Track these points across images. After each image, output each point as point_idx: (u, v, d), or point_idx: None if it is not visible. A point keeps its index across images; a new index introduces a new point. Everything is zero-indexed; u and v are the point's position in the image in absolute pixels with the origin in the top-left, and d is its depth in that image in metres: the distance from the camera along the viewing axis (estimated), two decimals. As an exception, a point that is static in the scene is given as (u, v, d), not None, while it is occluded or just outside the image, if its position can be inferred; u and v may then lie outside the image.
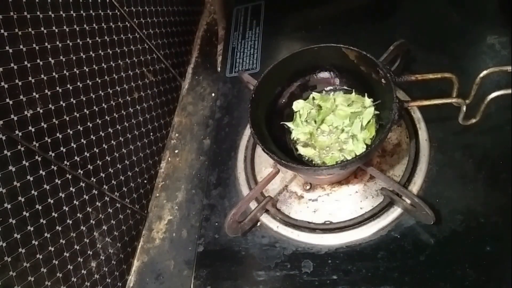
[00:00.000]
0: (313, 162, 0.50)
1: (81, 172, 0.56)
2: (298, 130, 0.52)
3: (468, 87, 0.46)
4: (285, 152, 0.50)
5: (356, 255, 0.48)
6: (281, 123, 0.54)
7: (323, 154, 0.50)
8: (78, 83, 0.57)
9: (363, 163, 0.49)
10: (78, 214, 0.55)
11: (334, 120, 0.50)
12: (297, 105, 0.54)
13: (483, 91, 0.45)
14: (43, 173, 0.50)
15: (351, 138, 0.49)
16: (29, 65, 0.49)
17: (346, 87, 0.54)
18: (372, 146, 0.44)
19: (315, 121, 0.52)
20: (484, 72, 0.44)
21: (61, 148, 0.53)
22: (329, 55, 0.51)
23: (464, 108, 0.45)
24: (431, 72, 0.48)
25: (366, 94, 0.50)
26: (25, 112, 0.49)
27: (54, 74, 0.53)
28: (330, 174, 0.49)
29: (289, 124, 0.53)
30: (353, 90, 0.52)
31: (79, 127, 0.57)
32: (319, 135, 0.51)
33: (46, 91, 0.52)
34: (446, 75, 0.46)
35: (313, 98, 0.54)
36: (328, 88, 0.55)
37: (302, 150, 0.51)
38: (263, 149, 0.46)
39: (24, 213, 0.47)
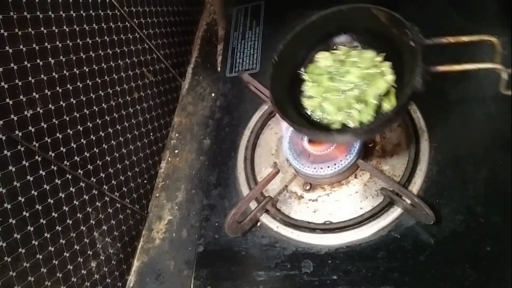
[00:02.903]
0: (319, 120, 0.48)
1: (81, 172, 0.56)
2: (313, 84, 0.49)
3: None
4: (305, 120, 0.49)
5: (356, 255, 0.48)
6: (298, 71, 0.50)
7: (329, 113, 0.47)
8: (78, 83, 0.57)
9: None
10: (78, 214, 0.55)
11: (351, 78, 0.47)
12: (320, 55, 0.50)
13: None
14: (43, 173, 0.50)
15: (363, 103, 0.45)
16: (29, 65, 0.49)
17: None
18: (391, 114, 0.40)
19: (331, 77, 0.48)
20: None
21: (61, 148, 0.53)
22: (357, 17, 0.48)
23: (505, 76, 0.39)
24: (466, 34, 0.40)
25: (390, 61, 0.46)
26: (25, 112, 0.49)
27: (54, 74, 0.53)
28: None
29: (305, 76, 0.50)
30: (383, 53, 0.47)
31: (79, 127, 0.57)
32: (332, 92, 0.47)
33: (46, 91, 0.52)
34: (485, 38, 0.39)
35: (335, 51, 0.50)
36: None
37: (307, 103, 0.49)
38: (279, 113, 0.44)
39: (24, 213, 0.47)
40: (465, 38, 0.40)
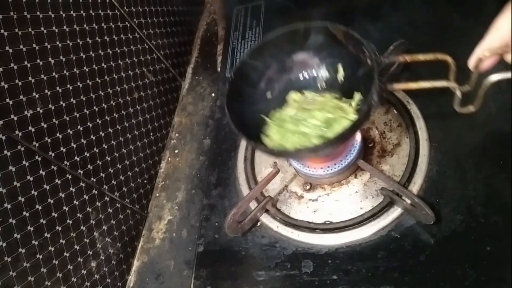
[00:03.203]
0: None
1: (81, 172, 0.56)
2: (277, 128, 0.50)
3: (466, 73, 0.40)
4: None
5: (356, 255, 0.48)
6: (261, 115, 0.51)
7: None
8: (78, 83, 0.57)
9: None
10: (78, 214, 0.55)
11: (314, 122, 0.49)
12: (293, 96, 0.52)
13: (484, 78, 0.38)
14: (43, 173, 0.50)
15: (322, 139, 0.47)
16: (29, 65, 0.49)
17: (325, 72, 0.52)
18: (345, 131, 0.41)
19: (295, 122, 0.50)
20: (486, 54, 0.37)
21: (61, 148, 0.53)
22: (315, 34, 0.49)
23: (459, 94, 0.40)
24: (425, 61, 0.41)
25: (353, 97, 0.48)
26: (25, 112, 0.49)
27: (54, 74, 0.53)
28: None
29: (270, 121, 0.51)
30: (340, 95, 0.50)
31: (79, 127, 0.57)
32: (296, 134, 0.49)
33: (46, 91, 0.52)
34: (440, 57, 0.40)
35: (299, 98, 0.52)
36: (310, 76, 0.53)
37: (266, 141, 0.49)
38: (233, 127, 0.44)
39: (24, 213, 0.47)
40: (420, 57, 0.41)
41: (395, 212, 0.49)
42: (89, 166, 0.58)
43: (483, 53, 0.37)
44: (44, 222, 0.50)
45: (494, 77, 0.37)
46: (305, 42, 0.50)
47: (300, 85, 0.53)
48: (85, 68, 0.58)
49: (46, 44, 0.52)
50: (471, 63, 0.39)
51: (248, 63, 0.50)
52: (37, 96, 0.50)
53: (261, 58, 0.51)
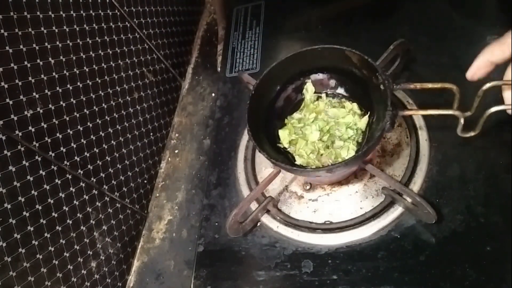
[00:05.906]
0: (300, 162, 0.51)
1: (81, 172, 0.56)
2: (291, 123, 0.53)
3: (470, 98, 0.43)
4: (279, 152, 0.52)
5: (356, 255, 0.48)
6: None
7: (311, 154, 0.50)
8: (78, 83, 0.57)
9: (352, 167, 0.50)
10: (78, 214, 0.55)
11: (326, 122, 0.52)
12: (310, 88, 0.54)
13: (486, 103, 0.42)
14: (43, 173, 0.50)
15: (342, 141, 0.50)
16: (29, 65, 0.49)
17: (342, 90, 0.54)
18: (360, 153, 0.44)
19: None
20: (487, 85, 0.41)
21: (61, 148, 0.53)
22: (331, 56, 0.51)
23: (462, 121, 0.44)
24: (431, 81, 0.46)
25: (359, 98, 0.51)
26: (25, 112, 0.49)
27: (54, 74, 0.53)
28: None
29: (296, 115, 0.54)
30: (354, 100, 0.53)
31: (79, 127, 0.57)
32: (311, 130, 0.51)
33: (46, 91, 0.52)
34: (446, 86, 0.44)
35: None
36: (325, 91, 0.55)
37: (289, 147, 0.52)
38: (257, 147, 0.47)
39: (24, 213, 0.47)
40: (429, 85, 0.45)
41: (395, 212, 0.49)
42: (89, 166, 0.58)
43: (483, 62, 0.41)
44: (44, 222, 0.50)
45: (495, 108, 0.41)
46: (320, 63, 0.53)
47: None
48: (85, 68, 0.58)
49: (46, 44, 0.52)
50: (469, 73, 0.42)
51: (263, 82, 0.51)
52: (37, 96, 0.50)
53: (275, 79, 0.53)
